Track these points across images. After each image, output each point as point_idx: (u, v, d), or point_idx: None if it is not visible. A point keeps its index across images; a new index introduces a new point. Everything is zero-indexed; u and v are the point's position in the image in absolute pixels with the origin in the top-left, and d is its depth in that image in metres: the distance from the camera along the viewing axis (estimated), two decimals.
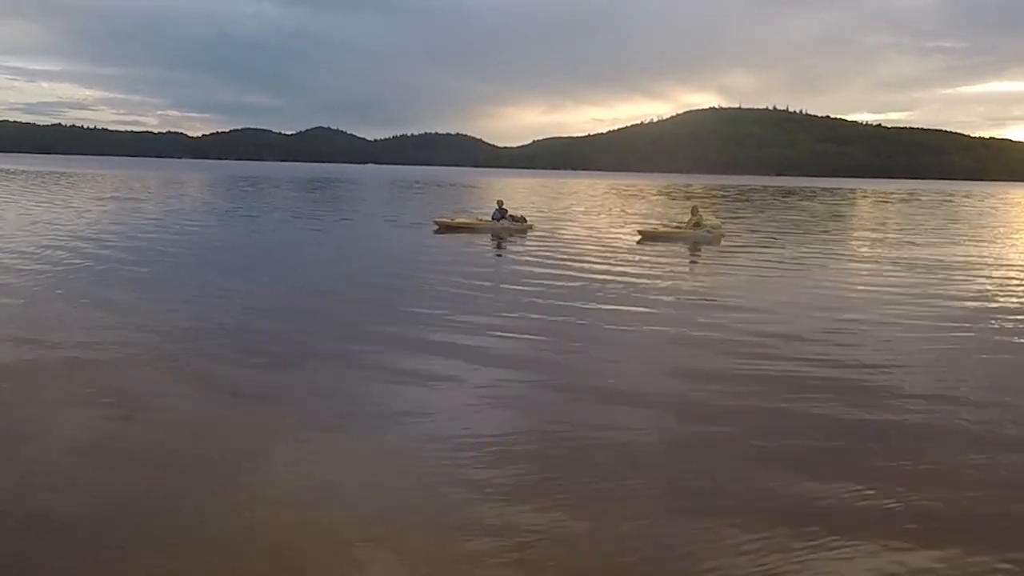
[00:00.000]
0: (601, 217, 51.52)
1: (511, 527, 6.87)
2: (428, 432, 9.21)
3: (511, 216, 36.97)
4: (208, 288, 18.83)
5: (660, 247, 31.15)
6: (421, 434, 9.13)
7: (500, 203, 38.05)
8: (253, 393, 10.65)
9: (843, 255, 30.65)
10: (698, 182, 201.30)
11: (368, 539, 6.68)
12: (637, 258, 27.40)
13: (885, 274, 24.56)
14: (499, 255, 28.58)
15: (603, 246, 31.34)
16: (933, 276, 23.99)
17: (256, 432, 9.10)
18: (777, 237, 38.81)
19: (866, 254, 31.31)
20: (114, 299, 17.00)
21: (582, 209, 61.49)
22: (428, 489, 7.64)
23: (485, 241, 32.34)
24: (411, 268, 23.88)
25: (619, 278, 21.90)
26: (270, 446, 8.66)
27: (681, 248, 31.12)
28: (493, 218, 36.87)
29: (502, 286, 20.19)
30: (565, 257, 26.96)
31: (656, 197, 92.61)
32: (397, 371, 11.81)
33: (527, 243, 31.67)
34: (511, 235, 34.65)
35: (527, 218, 38.20)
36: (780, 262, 27.45)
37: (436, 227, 36.79)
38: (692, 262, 27.59)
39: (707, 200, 77.19)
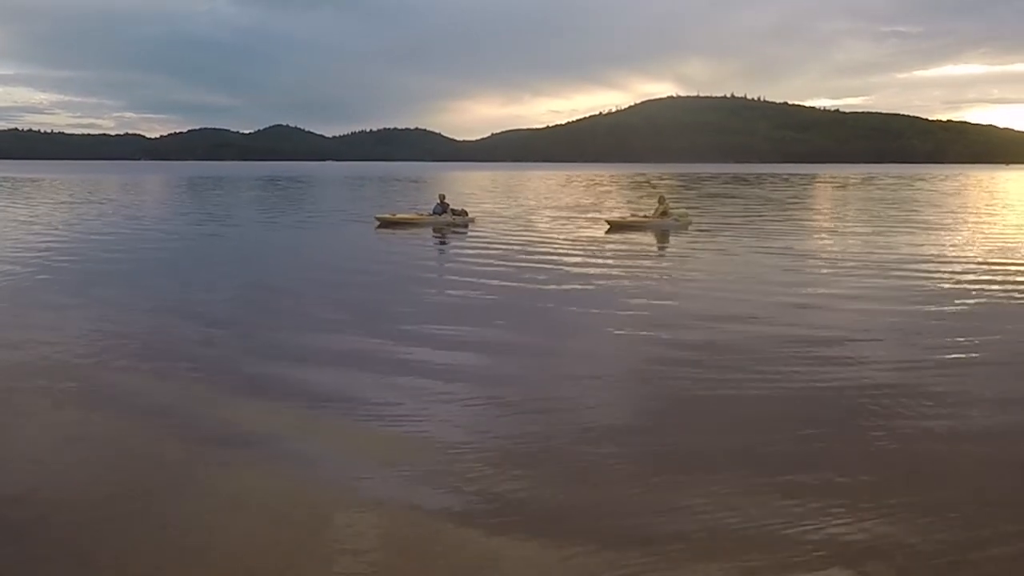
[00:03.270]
0: (566, 208, 51.43)
1: (485, 512, 6.86)
2: (392, 426, 9.08)
3: (452, 210, 36.52)
4: (151, 291, 18.40)
5: (628, 236, 31.26)
6: (386, 429, 8.99)
7: (442, 197, 37.65)
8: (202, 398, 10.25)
9: (804, 237, 31.46)
10: (658, 171, 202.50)
11: (333, 543, 6.49)
12: (605, 247, 27.38)
13: (842, 253, 25.53)
14: (445, 250, 28.30)
15: (571, 237, 31.22)
16: (888, 254, 24.84)
17: (216, 436, 8.81)
18: (741, 223, 39.34)
19: (825, 235, 32.51)
20: (66, 303, 16.75)
21: (546, 201, 61.46)
22: (394, 484, 7.51)
23: (439, 236, 31.97)
24: (351, 264, 23.77)
25: (586, 269, 21.90)
26: (230, 450, 8.41)
27: (649, 237, 31.28)
28: (434, 212, 36.45)
29: (473, 280, 19.91)
30: (534, 248, 26.83)
31: (615, 187, 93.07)
32: (356, 369, 11.58)
33: (492, 235, 31.27)
34: (453, 229, 34.20)
35: (468, 211, 37.74)
36: (745, 247, 27.91)
37: (377, 223, 36.23)
38: (660, 250, 27.80)
39: (671, 189, 77.30)
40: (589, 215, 43.79)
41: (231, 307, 16.51)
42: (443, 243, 29.99)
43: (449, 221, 35.67)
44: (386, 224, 35.86)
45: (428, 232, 33.31)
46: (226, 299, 17.33)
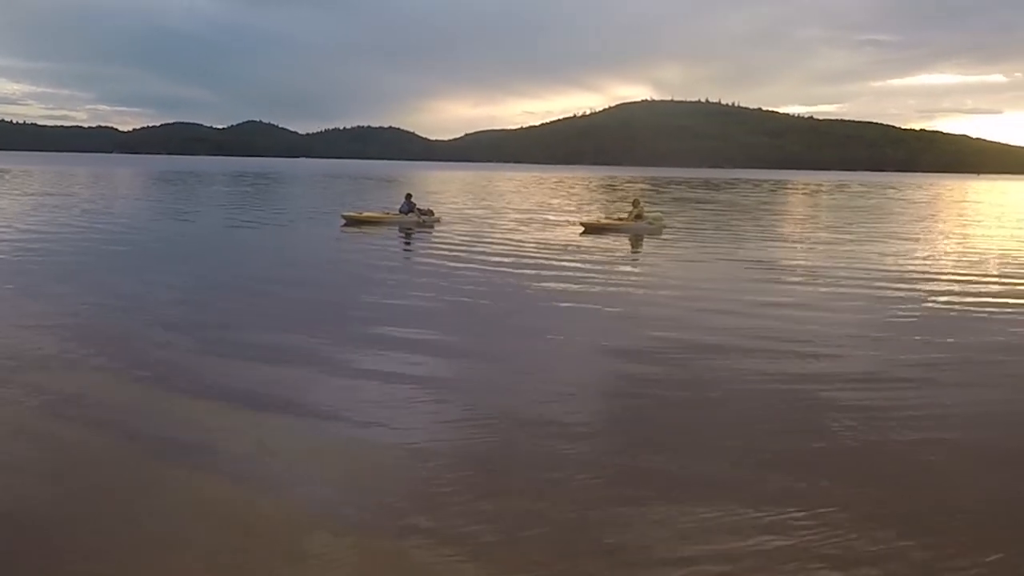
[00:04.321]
0: (539, 209, 51.62)
1: (453, 524, 6.71)
2: (365, 428, 9.06)
3: (419, 209, 36.45)
4: (108, 289, 17.95)
5: (603, 239, 31.35)
6: (359, 430, 9.00)
7: (409, 196, 37.50)
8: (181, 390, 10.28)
9: (775, 242, 31.93)
10: (630, 174, 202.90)
11: (308, 538, 6.49)
12: (579, 250, 27.43)
13: (811, 257, 26.31)
14: (411, 249, 28.23)
15: (543, 239, 31.25)
16: (855, 260, 25.17)
17: (187, 430, 8.84)
18: (713, 227, 39.95)
19: (795, 240, 33.17)
20: (41, 293, 16.84)
21: (517, 202, 61.55)
22: (367, 485, 7.52)
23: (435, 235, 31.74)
24: (313, 263, 23.79)
25: (560, 270, 21.98)
26: (203, 444, 8.44)
27: (623, 239, 31.41)
28: (401, 211, 36.41)
29: (442, 282, 19.91)
30: (503, 250, 26.75)
31: (586, 189, 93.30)
32: (327, 367, 11.56)
33: (460, 236, 31.16)
34: (419, 228, 34.19)
35: (434, 211, 37.75)
36: (718, 250, 28.51)
37: (344, 221, 36.10)
38: (634, 253, 27.95)
39: (640, 193, 77.37)
40: (562, 217, 43.86)
41: (190, 307, 16.20)
42: (408, 243, 29.93)
43: (415, 220, 35.60)
44: (352, 222, 35.70)
45: (394, 231, 33.27)
46: (184, 299, 17.03)
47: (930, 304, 17.43)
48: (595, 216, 40.23)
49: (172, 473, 7.71)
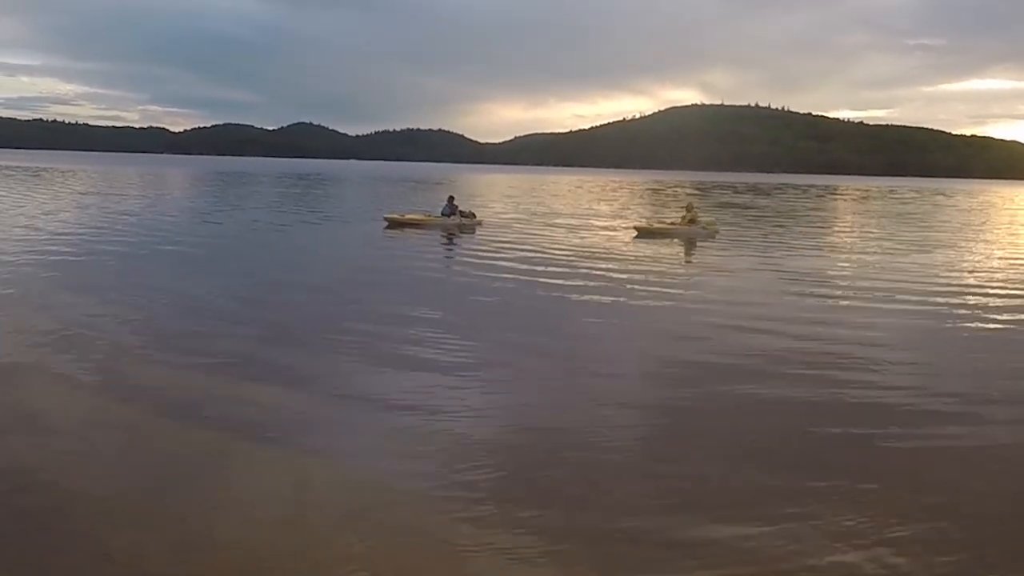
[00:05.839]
0: (590, 214, 51.36)
1: (492, 529, 6.76)
2: (399, 434, 9.01)
3: (461, 212, 36.62)
4: (151, 290, 18.02)
5: (655, 244, 31.40)
6: (394, 436, 8.95)
7: (451, 199, 37.69)
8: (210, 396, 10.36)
9: (822, 251, 31.42)
10: (681, 179, 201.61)
11: (350, 539, 6.56)
12: (629, 256, 27.31)
13: (866, 263, 26.35)
14: (453, 253, 28.36)
15: (595, 243, 31.32)
16: (902, 272, 24.51)
17: (233, 429, 8.97)
18: (768, 232, 39.83)
19: (842, 249, 32.49)
20: (77, 294, 16.87)
21: (578, 205, 61.80)
22: (398, 491, 7.51)
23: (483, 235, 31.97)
24: (359, 264, 24.15)
25: (613, 273, 22.13)
26: (247, 444, 8.57)
27: (676, 244, 31.43)
28: (443, 214, 36.56)
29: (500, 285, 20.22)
30: (552, 254, 26.83)
31: (632, 194, 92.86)
32: (376, 364, 11.85)
33: (507, 241, 31.04)
34: (461, 231, 34.36)
35: (476, 214, 37.97)
36: (773, 256, 28.35)
37: (386, 224, 36.35)
38: (686, 259, 27.84)
39: (696, 197, 77.11)
40: (611, 222, 43.74)
41: (241, 303, 16.73)
42: (450, 246, 30.02)
43: (457, 223, 35.75)
44: (394, 224, 35.95)
45: (436, 233, 33.41)
46: (237, 295, 17.51)
47: (975, 324, 16.53)
48: (647, 221, 40.28)
49: (232, 465, 8.02)
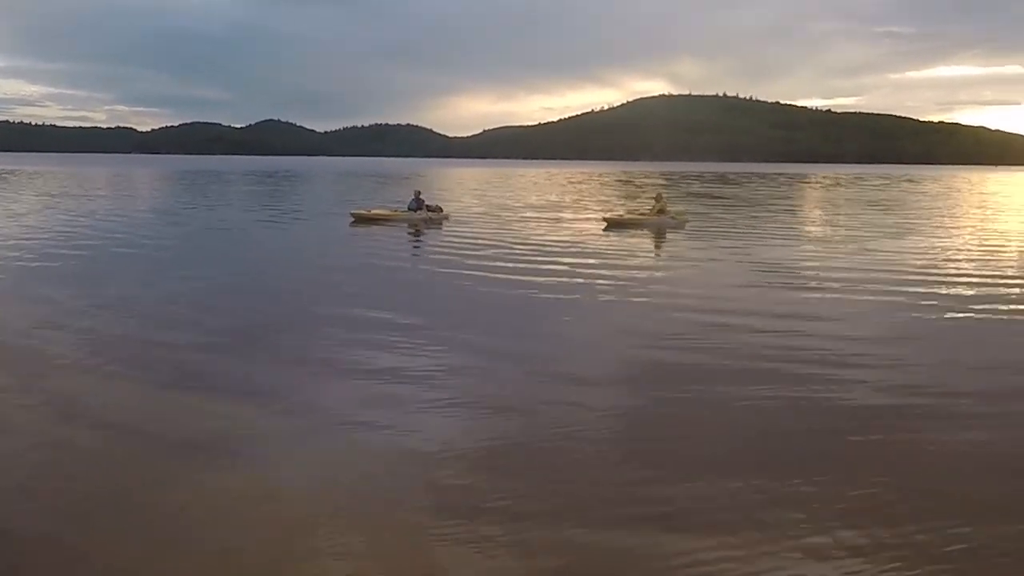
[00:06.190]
0: (559, 206, 51.23)
1: (464, 532, 6.61)
2: (377, 431, 8.93)
3: (428, 206, 36.41)
4: (103, 297, 17.33)
5: (626, 234, 31.50)
6: (371, 434, 8.85)
7: (417, 193, 37.57)
8: (192, 390, 10.35)
9: (791, 240, 31.10)
10: (650, 169, 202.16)
11: (315, 540, 6.49)
12: (599, 247, 27.29)
13: (835, 252, 26.38)
14: (420, 247, 27.97)
15: (567, 235, 31.33)
16: (877, 257, 24.85)
17: (197, 432, 8.83)
18: (736, 221, 39.89)
19: (811, 237, 32.54)
20: (52, 296, 16.72)
21: (546, 197, 61.66)
22: (378, 490, 7.43)
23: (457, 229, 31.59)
24: (323, 262, 23.82)
25: (582, 268, 21.82)
26: (212, 446, 8.44)
27: (646, 235, 31.45)
28: (409, 208, 36.35)
29: (462, 282, 19.85)
30: (530, 247, 26.67)
31: (598, 185, 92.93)
32: (342, 371, 11.42)
33: (473, 234, 30.76)
34: (428, 225, 34.10)
35: (443, 208, 37.75)
36: (742, 246, 28.22)
37: (352, 219, 36.04)
38: (657, 249, 27.86)
39: (665, 187, 76.98)
40: (581, 215, 43.56)
41: (201, 306, 16.13)
42: (417, 240, 29.76)
43: (424, 217, 35.52)
44: (360, 220, 35.68)
45: (403, 228, 33.13)
46: (196, 298, 16.93)
47: (948, 314, 16.02)
48: (617, 212, 40.31)
49: (184, 472, 7.77)
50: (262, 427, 9.01)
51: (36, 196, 53.51)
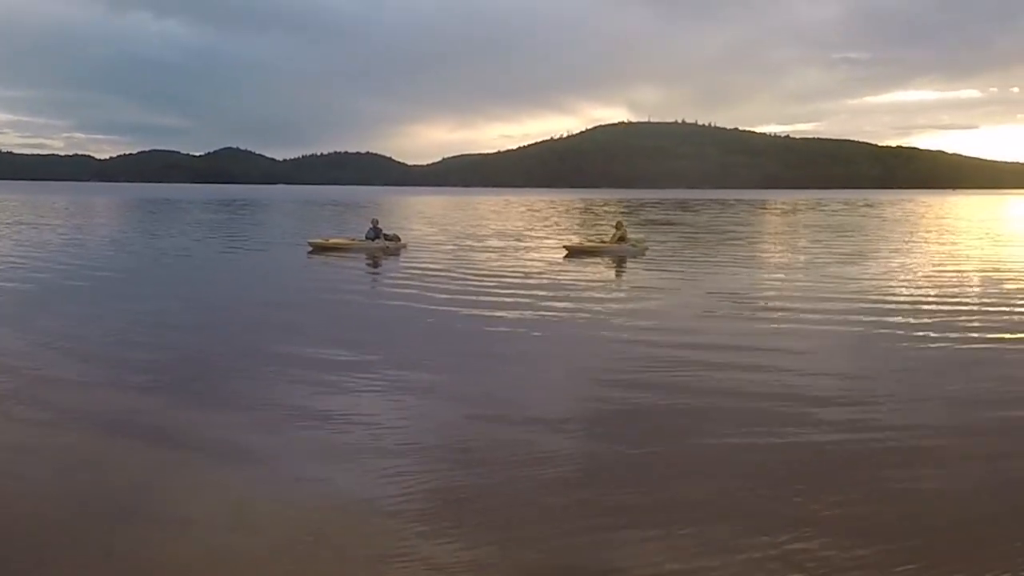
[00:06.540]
0: (524, 234, 51.22)
1: (426, 556, 6.68)
2: (337, 461, 8.92)
3: (385, 235, 36.19)
4: (73, 323, 17.35)
5: (586, 262, 31.52)
6: (330, 463, 8.85)
7: (375, 222, 37.36)
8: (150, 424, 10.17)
9: (751, 267, 30.98)
10: (609, 197, 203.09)
11: (289, 557, 6.58)
12: (562, 275, 27.32)
13: (794, 279, 26.47)
14: (378, 277, 27.65)
15: (526, 263, 31.29)
16: (837, 284, 24.85)
17: (157, 463, 8.76)
18: (696, 248, 40.17)
19: (770, 264, 32.56)
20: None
21: (506, 225, 61.76)
22: (341, 518, 7.40)
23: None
24: (279, 293, 23.38)
25: (543, 298, 21.49)
26: (172, 476, 8.37)
27: (606, 263, 31.46)
28: (367, 237, 36.05)
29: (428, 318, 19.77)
30: (489, 276, 26.44)
31: (556, 212, 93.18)
32: (299, 398, 11.42)
33: (432, 263, 30.54)
34: (386, 254, 33.86)
35: (400, 237, 37.59)
36: (701, 273, 28.30)
37: (310, 248, 35.63)
38: (618, 277, 27.85)
39: (624, 215, 77.05)
40: (541, 243, 43.47)
41: (145, 345, 15.38)
42: (375, 269, 29.59)
43: (382, 246, 35.33)
44: (319, 249, 35.30)
45: (360, 258, 32.91)
46: (140, 335, 16.26)
47: (909, 343, 15.77)
48: (577, 240, 40.36)
49: (165, 485, 7.91)
50: (194, 481, 8.42)
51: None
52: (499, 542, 6.96)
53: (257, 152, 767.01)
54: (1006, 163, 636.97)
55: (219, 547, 6.61)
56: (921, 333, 16.62)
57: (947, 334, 16.41)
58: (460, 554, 6.72)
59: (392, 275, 27.59)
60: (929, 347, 15.35)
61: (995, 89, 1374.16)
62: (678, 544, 6.93)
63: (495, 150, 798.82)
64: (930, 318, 18.45)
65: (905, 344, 15.61)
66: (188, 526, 7.18)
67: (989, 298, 21.87)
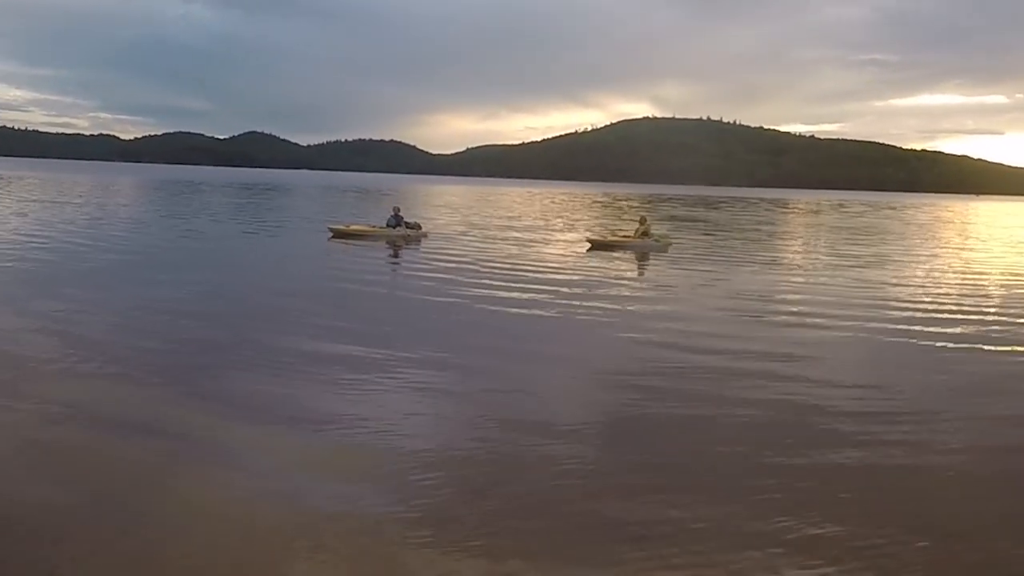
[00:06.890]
0: (546, 226, 51.11)
1: (435, 544, 6.69)
2: (347, 449, 8.91)
3: (406, 223, 36.11)
4: (86, 302, 17.32)
5: (609, 256, 31.49)
6: (340, 452, 8.83)
7: (396, 210, 37.24)
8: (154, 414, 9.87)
9: (772, 267, 30.87)
10: (632, 192, 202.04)
11: (289, 555, 6.48)
12: (585, 268, 27.31)
13: (814, 277, 26.80)
14: (398, 264, 27.61)
15: (549, 256, 31.29)
16: (859, 287, 24.56)
17: (156, 462, 8.40)
18: (717, 245, 39.91)
19: (791, 264, 32.36)
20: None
21: (528, 217, 61.74)
22: (347, 509, 7.35)
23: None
24: (300, 278, 23.39)
25: (563, 288, 21.72)
26: (173, 477, 8.07)
27: (629, 257, 31.39)
28: (388, 225, 36.03)
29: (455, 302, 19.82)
30: (510, 267, 26.42)
31: (582, 206, 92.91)
32: (310, 387, 11.34)
33: (452, 253, 30.45)
34: (407, 242, 33.85)
35: (421, 225, 37.54)
36: (724, 271, 28.15)
37: (331, 234, 35.64)
38: (640, 271, 27.90)
39: (647, 210, 76.76)
40: (566, 234, 43.60)
41: (153, 333, 14.83)
42: (395, 257, 29.62)
43: (403, 234, 35.28)
44: (339, 235, 35.32)
45: (381, 245, 32.96)
46: (149, 322, 15.82)
47: (927, 343, 15.85)
48: (601, 233, 40.23)
49: (171, 480, 7.82)
50: (195, 481, 8.02)
51: (22, 201, 52.84)
52: (508, 547, 6.83)
53: (281, 137, 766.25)
54: None
55: (219, 548, 6.52)
56: (942, 343, 16.16)
57: (979, 346, 15.95)
58: (467, 560, 6.58)
59: (411, 264, 27.56)
60: (953, 358, 14.97)
61: (1021, 95, 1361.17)
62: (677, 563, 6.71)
63: (519, 141, 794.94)
64: (955, 327, 17.98)
65: (929, 356, 15.13)
66: (188, 527, 7.01)
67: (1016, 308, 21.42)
